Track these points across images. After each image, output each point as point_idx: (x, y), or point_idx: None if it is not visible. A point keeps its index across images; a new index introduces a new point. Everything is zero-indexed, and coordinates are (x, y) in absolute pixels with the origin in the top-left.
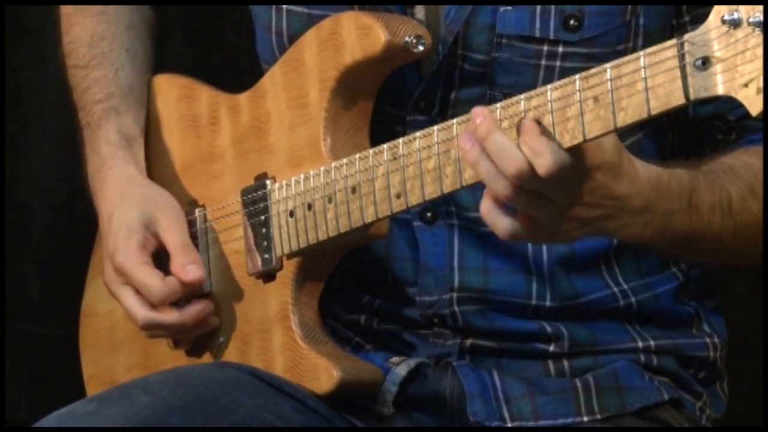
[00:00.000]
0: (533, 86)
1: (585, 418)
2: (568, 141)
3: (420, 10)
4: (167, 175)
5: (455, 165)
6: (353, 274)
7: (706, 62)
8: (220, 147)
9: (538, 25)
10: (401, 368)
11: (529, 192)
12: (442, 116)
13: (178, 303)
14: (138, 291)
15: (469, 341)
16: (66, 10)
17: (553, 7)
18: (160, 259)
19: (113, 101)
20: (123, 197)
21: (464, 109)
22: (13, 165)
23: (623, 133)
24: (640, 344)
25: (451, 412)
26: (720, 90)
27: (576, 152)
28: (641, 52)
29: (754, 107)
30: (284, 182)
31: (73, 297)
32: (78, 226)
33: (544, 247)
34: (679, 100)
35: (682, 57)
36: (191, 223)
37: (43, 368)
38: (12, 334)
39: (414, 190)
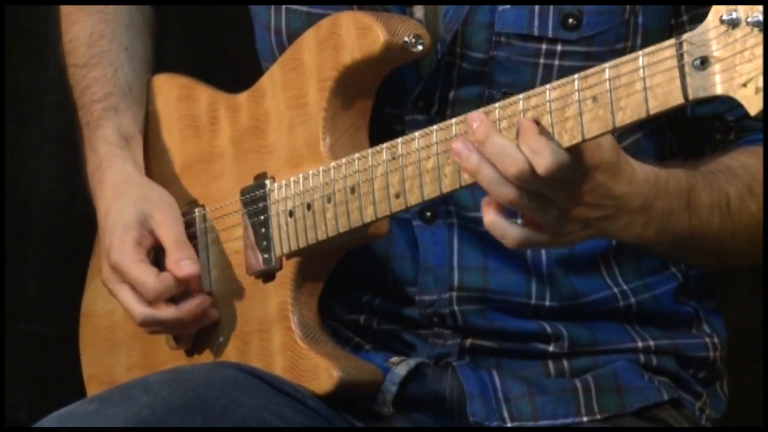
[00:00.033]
0: (532, 85)
1: (585, 419)
2: (566, 141)
3: (419, 10)
4: (166, 175)
5: (454, 165)
6: (353, 274)
7: (704, 62)
8: (219, 147)
9: (536, 23)
10: (401, 368)
11: (531, 194)
12: (441, 115)
13: (175, 299)
14: (135, 288)
15: (468, 341)
16: (66, 9)
17: (551, 5)
18: (158, 256)
19: (112, 100)
20: (120, 195)
21: (463, 108)
22: (13, 165)
23: (622, 133)
24: (640, 344)
25: (451, 412)
26: (718, 90)
27: (575, 152)
28: (640, 52)
29: (753, 107)
30: (283, 182)
31: (73, 297)
32: (78, 226)
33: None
34: (677, 99)
35: (680, 57)
36: (191, 223)
37: (43, 368)
38: (12, 334)
39: (413, 189)
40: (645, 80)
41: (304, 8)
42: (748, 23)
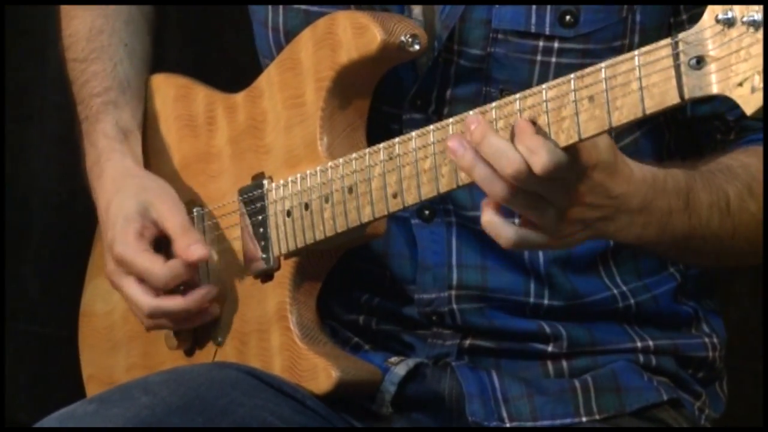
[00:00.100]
0: (529, 82)
1: (584, 419)
2: (563, 141)
3: (417, 9)
4: (164, 175)
5: (451, 165)
6: (351, 273)
7: (700, 61)
8: (217, 147)
9: (533, 20)
10: (400, 368)
11: (528, 194)
12: (438, 114)
13: (180, 290)
14: (141, 280)
15: (467, 341)
16: (65, 5)
17: (549, 3)
18: (160, 247)
19: (111, 95)
20: (119, 188)
21: (460, 106)
22: (13, 165)
23: (620, 132)
24: (639, 344)
25: (450, 412)
26: (714, 89)
27: (572, 151)
28: (636, 52)
29: (749, 106)
30: (281, 182)
31: (73, 297)
32: (78, 226)
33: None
34: (673, 99)
35: (676, 56)
36: None
37: (43, 368)
38: (12, 334)
39: (410, 189)
40: (641, 80)
41: (302, 6)
42: (743, 22)
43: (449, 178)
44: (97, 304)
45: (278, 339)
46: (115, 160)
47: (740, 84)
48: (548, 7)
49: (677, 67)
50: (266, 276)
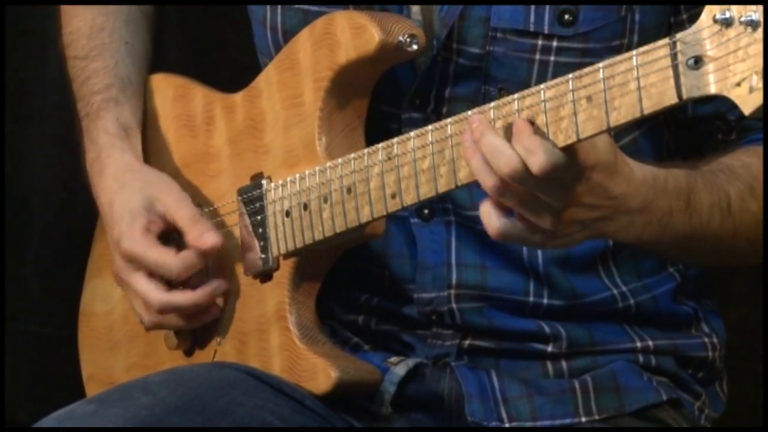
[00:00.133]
0: (528, 81)
1: (583, 419)
2: (561, 141)
3: (415, 8)
4: None
5: (450, 165)
6: (351, 272)
7: (698, 61)
8: (215, 147)
9: (532, 19)
10: (399, 368)
11: (524, 193)
12: (437, 113)
13: (190, 284)
14: (150, 275)
15: (467, 342)
16: (66, 5)
17: (547, 3)
18: (167, 241)
19: (112, 92)
20: (122, 185)
21: (459, 105)
22: (13, 165)
23: (619, 132)
24: (639, 344)
25: (450, 412)
26: (712, 89)
27: (570, 152)
28: (634, 52)
29: (747, 106)
30: (280, 182)
31: (73, 297)
32: (78, 226)
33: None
34: (671, 99)
35: (674, 56)
36: None
37: (43, 368)
38: (12, 334)
39: (409, 189)
40: (639, 80)
41: (301, 6)
42: (741, 22)
43: (447, 179)
44: (96, 304)
45: (277, 339)
46: (116, 157)
47: (738, 84)
48: (547, 5)
49: (675, 67)
50: (265, 276)
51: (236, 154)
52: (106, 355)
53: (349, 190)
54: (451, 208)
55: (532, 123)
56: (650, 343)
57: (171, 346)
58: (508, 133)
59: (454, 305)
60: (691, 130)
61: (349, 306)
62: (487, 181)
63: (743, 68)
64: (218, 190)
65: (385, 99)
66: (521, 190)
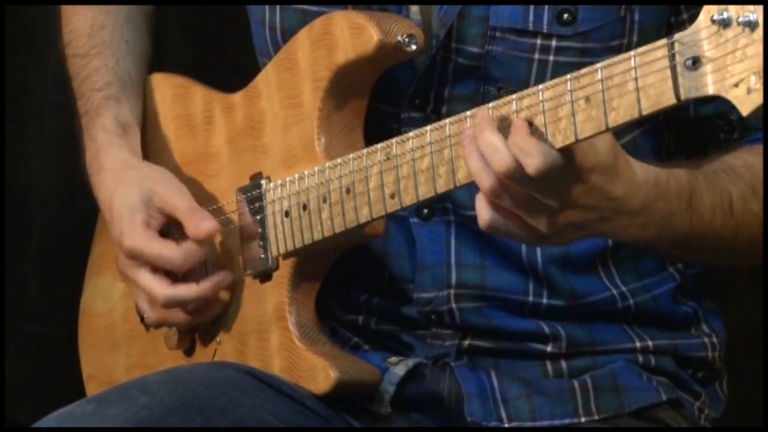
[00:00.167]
0: (527, 80)
1: (582, 419)
2: (560, 141)
3: (414, 8)
4: None
5: (448, 165)
6: (350, 272)
7: (696, 62)
8: (215, 146)
9: (531, 18)
10: (399, 368)
11: (520, 195)
12: (437, 113)
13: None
14: (155, 270)
15: (467, 342)
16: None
17: (546, 3)
18: (170, 235)
19: (112, 89)
20: (119, 181)
21: (458, 105)
22: (13, 165)
23: (618, 132)
24: (638, 344)
25: (449, 412)
26: (710, 90)
27: (568, 154)
28: (632, 52)
29: (745, 107)
30: (279, 182)
31: (73, 297)
32: (78, 226)
33: (538, 247)
34: (670, 100)
35: (672, 57)
36: None
37: (43, 368)
38: (12, 334)
39: (408, 190)
40: (637, 80)
41: (299, 6)
42: (739, 23)
43: (446, 179)
44: (97, 303)
45: (277, 339)
46: (113, 154)
47: (736, 85)
48: (546, 5)
49: (673, 68)
50: (265, 276)
51: (235, 153)
52: (106, 354)
53: (348, 191)
54: (451, 208)
55: (530, 123)
56: (650, 343)
57: (171, 346)
58: (506, 132)
59: (453, 305)
60: (693, 129)
61: (349, 306)
62: (484, 182)
63: (741, 69)
64: (218, 189)
65: (385, 99)
66: (518, 191)
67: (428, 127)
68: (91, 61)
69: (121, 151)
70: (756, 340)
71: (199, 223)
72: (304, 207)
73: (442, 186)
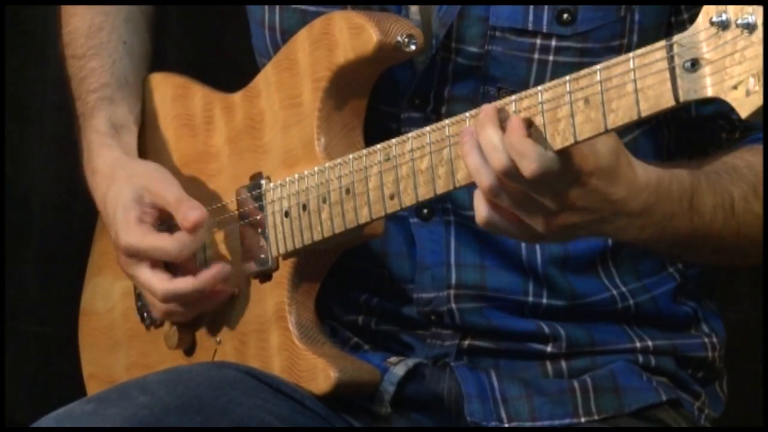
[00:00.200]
0: (527, 80)
1: (582, 419)
2: (559, 142)
3: (414, 8)
4: None
5: (448, 166)
6: (350, 273)
7: (695, 64)
8: (215, 146)
9: (531, 18)
10: (399, 368)
11: (518, 194)
12: (437, 113)
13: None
14: (153, 266)
15: (466, 342)
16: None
17: (546, 3)
18: (168, 229)
19: (107, 91)
20: (111, 181)
21: (458, 105)
22: (13, 165)
23: (619, 132)
24: (638, 345)
25: (449, 412)
26: (709, 92)
27: (568, 157)
28: (631, 54)
29: (744, 109)
30: (279, 182)
31: (73, 297)
32: (78, 226)
33: (537, 247)
34: (668, 102)
35: (671, 59)
36: None
37: (43, 368)
38: (12, 334)
39: (407, 190)
40: (636, 82)
41: (299, 6)
42: (738, 25)
43: (446, 180)
44: (97, 302)
45: (277, 339)
46: (104, 155)
47: (735, 87)
48: (546, 5)
49: (672, 70)
50: (265, 276)
51: (235, 153)
52: (106, 353)
53: (347, 191)
54: (451, 208)
55: (530, 124)
56: (650, 343)
57: (171, 346)
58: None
59: (453, 305)
60: (694, 129)
61: (349, 306)
62: (483, 180)
63: (740, 71)
64: (218, 189)
65: (385, 99)
66: (516, 190)
67: (428, 128)
68: (89, 63)
69: (111, 152)
70: (756, 340)
71: (187, 213)
72: (304, 207)
73: (441, 187)
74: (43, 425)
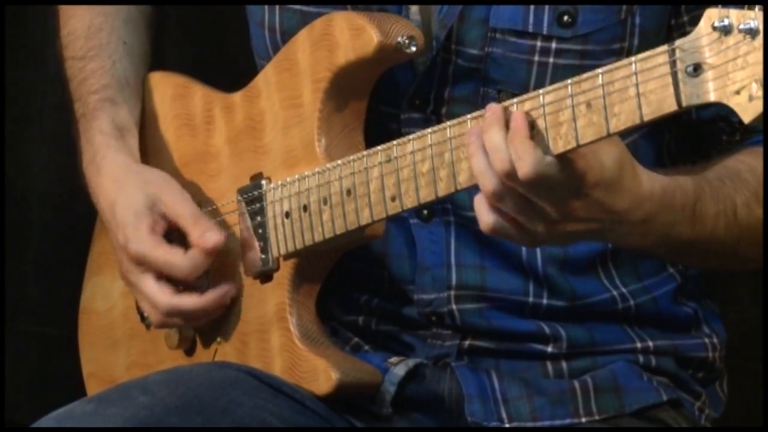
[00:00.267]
0: (527, 83)
1: (583, 419)
2: (561, 146)
3: (414, 8)
4: None
5: (449, 168)
6: (350, 273)
7: (697, 69)
8: (215, 146)
9: (531, 20)
10: (400, 368)
11: (520, 198)
12: (437, 114)
13: (198, 288)
14: (159, 277)
15: (467, 342)
16: (64, 5)
17: (547, 3)
18: (171, 240)
19: (109, 92)
20: (121, 185)
21: (458, 106)
22: (13, 165)
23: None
24: (639, 345)
25: (450, 412)
26: (712, 97)
27: (571, 165)
28: (633, 58)
29: (747, 114)
30: (279, 183)
31: (73, 297)
32: (78, 226)
33: (537, 248)
34: (671, 106)
35: (673, 63)
36: None
37: (43, 368)
38: (12, 334)
39: (408, 192)
40: (638, 86)
41: (299, 7)
42: (740, 30)
43: (447, 182)
44: (97, 301)
45: (278, 340)
46: (111, 157)
47: (737, 92)
48: (546, 6)
49: (674, 75)
50: (265, 277)
51: (236, 154)
52: (106, 353)
53: (348, 192)
54: (451, 209)
55: (532, 126)
56: (650, 343)
57: (172, 345)
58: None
59: (453, 306)
60: (694, 131)
61: (350, 306)
62: (487, 183)
63: (743, 76)
64: (218, 189)
65: (385, 99)
66: (518, 194)
67: (429, 130)
68: (88, 64)
69: (119, 154)
70: (756, 340)
71: (206, 233)
72: (305, 208)
73: (443, 189)
74: (43, 425)
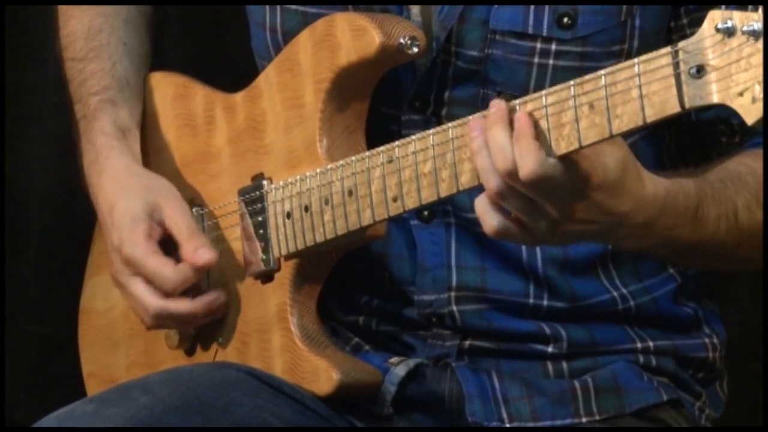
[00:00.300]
0: (527, 85)
1: (583, 419)
2: (563, 148)
3: (415, 9)
4: (164, 174)
5: (451, 169)
6: (351, 274)
7: (700, 70)
8: (216, 146)
9: (531, 21)
10: (400, 369)
11: (520, 196)
12: (437, 115)
13: (188, 292)
14: (148, 281)
15: (467, 342)
16: (63, 5)
17: (547, 4)
18: (167, 248)
19: (110, 93)
20: (122, 188)
21: (458, 108)
22: (13, 165)
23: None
24: (639, 345)
25: (450, 412)
26: (715, 99)
27: (574, 167)
28: (636, 59)
29: (750, 116)
30: (281, 183)
31: (73, 297)
32: (78, 226)
33: (537, 249)
34: (674, 108)
35: (676, 65)
36: None
37: (43, 368)
38: (12, 334)
39: (410, 193)
40: (641, 88)
41: (300, 7)
42: (743, 32)
43: (449, 183)
44: (97, 301)
45: (279, 340)
46: (114, 158)
47: (741, 94)
48: (546, 8)
49: (677, 76)
50: (266, 277)
51: (237, 154)
52: (106, 352)
53: (350, 193)
54: (451, 210)
55: (536, 125)
56: (650, 343)
57: (172, 345)
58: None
59: (454, 307)
60: (694, 133)
61: (350, 307)
62: (490, 182)
63: (746, 78)
64: (219, 189)
65: (385, 100)
66: (521, 194)
67: (430, 131)
68: (89, 65)
69: (122, 156)
70: (756, 340)
71: (197, 250)
72: (306, 209)
73: (445, 190)
74: (44, 425)
